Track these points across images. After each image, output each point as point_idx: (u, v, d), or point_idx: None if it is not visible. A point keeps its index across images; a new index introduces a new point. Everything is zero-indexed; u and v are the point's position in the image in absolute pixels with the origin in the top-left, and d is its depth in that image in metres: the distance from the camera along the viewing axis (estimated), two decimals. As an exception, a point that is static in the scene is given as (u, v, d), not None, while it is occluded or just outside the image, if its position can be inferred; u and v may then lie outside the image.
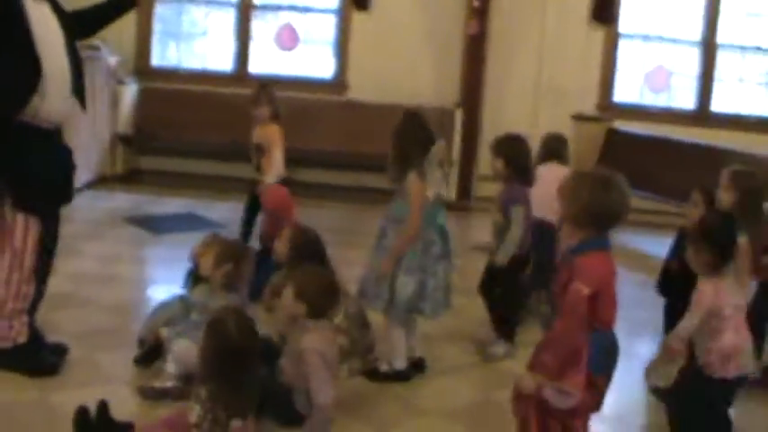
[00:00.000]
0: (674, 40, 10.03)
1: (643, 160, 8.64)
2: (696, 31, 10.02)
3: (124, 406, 3.82)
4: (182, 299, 4.45)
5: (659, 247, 5.78)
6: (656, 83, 9.72)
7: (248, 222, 6.49)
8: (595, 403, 3.33)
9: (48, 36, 3.98)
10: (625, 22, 9.87)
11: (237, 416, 3.12)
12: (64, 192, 4.32)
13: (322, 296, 3.79)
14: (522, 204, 5.05)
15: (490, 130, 9.35)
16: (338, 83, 9.62)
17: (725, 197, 4.75)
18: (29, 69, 3.88)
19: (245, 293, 4.41)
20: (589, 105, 9.74)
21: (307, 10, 9.63)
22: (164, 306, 4.52)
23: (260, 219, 6.31)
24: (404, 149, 4.61)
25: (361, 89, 9.52)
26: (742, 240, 4.41)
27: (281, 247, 4.50)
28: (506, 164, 5.11)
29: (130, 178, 9.29)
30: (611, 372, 3.35)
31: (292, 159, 9.05)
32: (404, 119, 4.74)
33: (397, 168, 4.58)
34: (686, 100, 10.09)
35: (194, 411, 3.13)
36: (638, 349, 5.20)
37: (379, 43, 9.45)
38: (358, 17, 9.45)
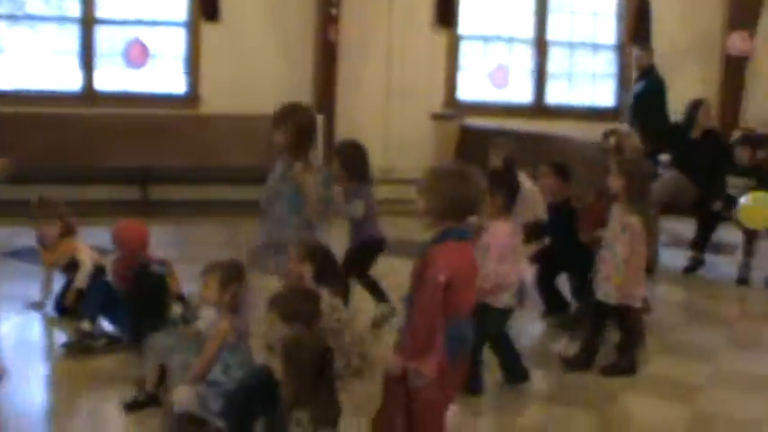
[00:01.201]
0: (509, 39, 10.62)
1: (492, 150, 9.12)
2: (529, 30, 10.67)
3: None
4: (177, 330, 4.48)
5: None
6: (495, 80, 10.24)
7: None
8: (454, 386, 3.53)
9: None
10: (465, 25, 10.34)
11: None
12: None
13: (311, 313, 3.89)
14: (362, 199, 5.77)
15: (346, 134, 9.66)
16: (191, 97, 9.49)
17: (614, 184, 5.16)
18: None
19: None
20: (436, 104, 10.15)
21: (155, 24, 9.39)
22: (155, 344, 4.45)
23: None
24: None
25: (215, 102, 9.45)
26: (635, 221, 4.98)
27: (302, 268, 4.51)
28: (342, 165, 5.86)
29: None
30: (465, 358, 3.55)
31: (148, 178, 9.10)
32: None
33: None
34: (524, 94, 10.75)
35: None
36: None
37: (231, 54, 9.40)
38: (208, 29, 9.34)
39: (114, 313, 5.13)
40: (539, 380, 5.01)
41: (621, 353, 5.23)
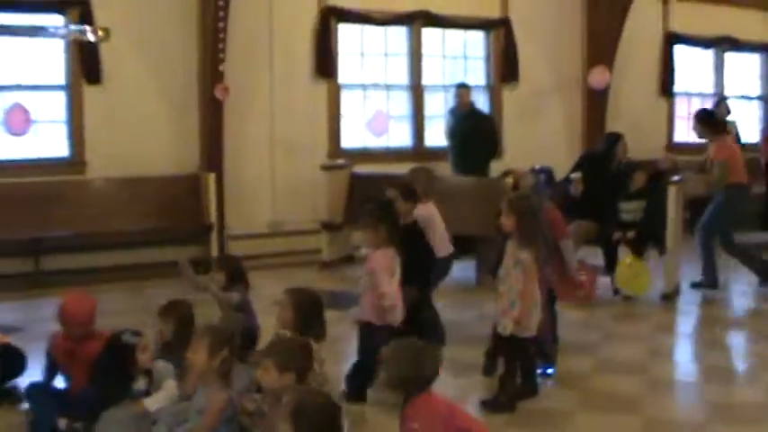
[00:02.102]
0: (387, 86, 10.96)
1: (381, 196, 9.38)
2: (404, 77, 11.05)
3: None
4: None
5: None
6: (374, 127, 10.53)
7: None
8: None
9: None
10: (344, 75, 10.60)
11: None
12: None
13: (305, 362, 3.99)
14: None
15: (234, 190, 9.77)
16: (75, 162, 9.30)
17: (506, 222, 5.42)
18: None
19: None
20: (321, 154, 10.33)
21: (35, 88, 9.18)
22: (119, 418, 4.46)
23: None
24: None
25: (101, 166, 9.32)
26: (526, 256, 5.32)
27: (284, 313, 4.70)
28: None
29: None
30: None
31: (40, 248, 8.92)
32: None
33: None
34: (404, 138, 11.11)
35: None
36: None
37: (115, 117, 9.30)
38: (90, 91, 9.21)
39: (62, 403, 5.02)
40: None
41: (503, 387, 5.47)
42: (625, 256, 8.34)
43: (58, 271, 8.88)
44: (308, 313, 4.82)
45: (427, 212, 6.56)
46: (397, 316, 5.45)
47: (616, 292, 8.39)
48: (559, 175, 8.73)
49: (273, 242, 9.97)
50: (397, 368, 3.75)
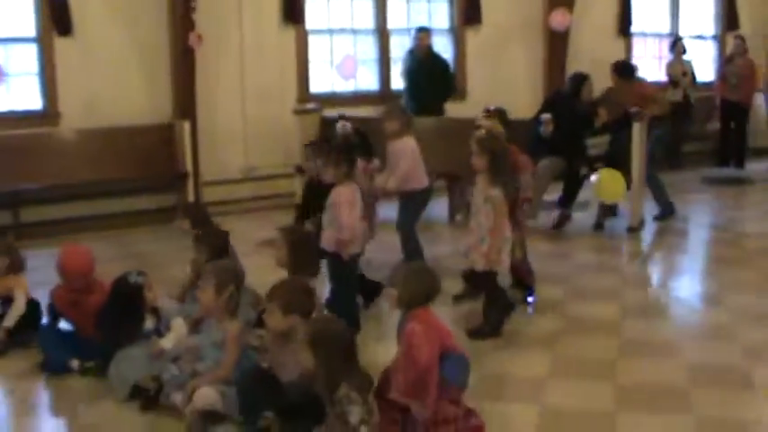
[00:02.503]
0: (353, 31, 11.10)
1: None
2: (370, 21, 11.19)
3: None
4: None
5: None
6: (343, 71, 10.66)
7: None
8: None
9: None
10: (312, 20, 10.71)
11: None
12: None
13: (308, 303, 4.18)
14: None
15: (207, 137, 9.89)
16: (49, 114, 9.32)
17: (477, 162, 5.64)
18: None
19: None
20: (290, 99, 10.44)
21: (4, 41, 9.13)
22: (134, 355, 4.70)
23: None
24: None
25: (75, 117, 9.35)
26: (497, 194, 5.57)
27: (279, 253, 4.95)
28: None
29: None
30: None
31: (17, 200, 8.99)
32: None
33: None
34: (371, 82, 11.28)
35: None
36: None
37: (87, 68, 9.33)
38: (61, 43, 9.20)
39: (73, 346, 5.22)
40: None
41: (486, 317, 5.80)
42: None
43: (37, 222, 8.99)
44: (301, 251, 5.05)
45: (400, 146, 6.73)
46: (357, 248, 5.80)
47: (598, 225, 8.79)
48: (520, 114, 9.00)
49: (247, 187, 10.13)
50: (407, 287, 4.06)
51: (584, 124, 8.77)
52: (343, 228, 5.58)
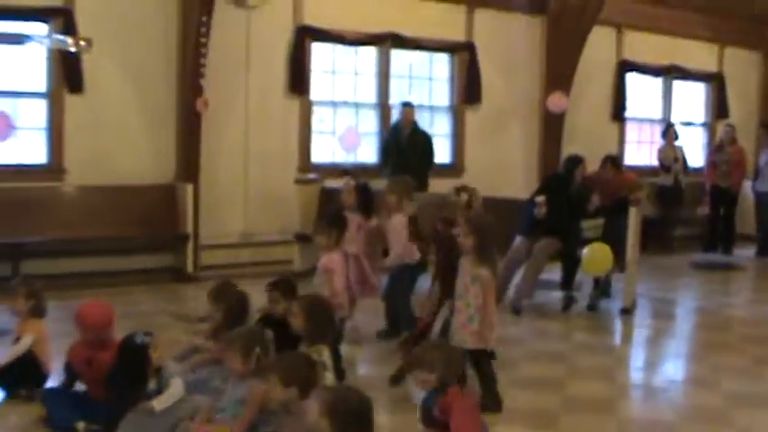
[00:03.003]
0: (356, 105, 11.35)
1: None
2: (372, 95, 11.48)
3: None
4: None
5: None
6: (348, 142, 10.88)
7: None
8: None
9: None
10: (316, 92, 10.96)
11: None
12: None
13: (309, 375, 4.25)
14: None
15: (208, 200, 10.01)
16: (55, 168, 9.44)
17: (465, 241, 5.68)
18: None
19: None
20: (292, 168, 10.64)
21: (17, 95, 9.32)
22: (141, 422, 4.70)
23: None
24: None
25: (80, 173, 9.47)
26: (485, 273, 5.63)
27: (296, 321, 5.03)
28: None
29: None
30: None
31: (19, 253, 9.06)
32: None
33: None
34: (371, 154, 11.48)
35: None
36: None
37: (95, 125, 9.48)
38: (71, 100, 9.37)
39: (79, 407, 5.18)
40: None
41: (485, 392, 5.78)
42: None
43: (37, 276, 9.00)
44: (318, 318, 5.14)
45: (397, 221, 7.15)
46: (343, 312, 6.24)
47: (592, 307, 8.94)
48: (515, 192, 9.21)
49: (246, 252, 10.24)
50: (448, 368, 4.32)
51: (577, 207, 8.97)
52: (337, 293, 5.98)
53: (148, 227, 9.69)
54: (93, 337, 5.23)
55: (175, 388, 4.86)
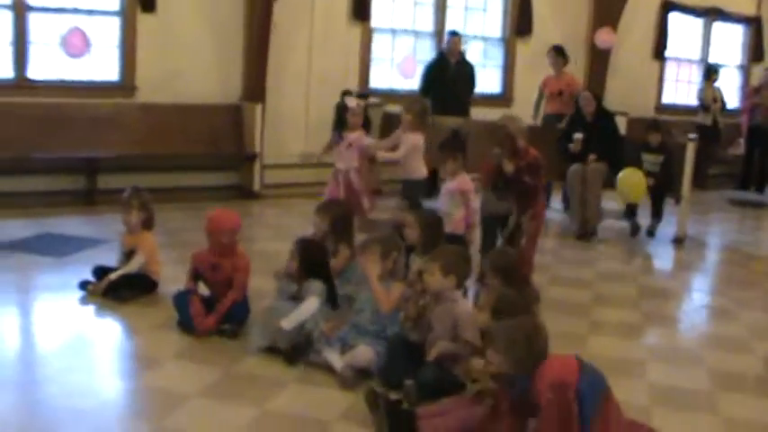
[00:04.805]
0: (415, 33, 11.56)
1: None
2: (429, 24, 11.69)
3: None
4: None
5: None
6: (406, 70, 11.10)
7: None
8: None
9: None
10: (377, 19, 11.17)
11: None
12: None
13: (465, 268, 4.67)
14: None
15: (273, 120, 10.26)
16: (126, 86, 9.64)
17: (410, 234, 5.65)
18: None
19: None
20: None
21: (90, 12, 9.44)
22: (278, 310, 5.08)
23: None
24: None
25: (150, 91, 9.68)
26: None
27: (412, 232, 5.44)
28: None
29: None
30: None
31: (89, 167, 9.32)
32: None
33: None
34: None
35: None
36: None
37: (166, 44, 9.67)
38: (143, 18, 9.54)
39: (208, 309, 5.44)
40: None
41: None
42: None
43: (110, 190, 9.30)
44: (432, 231, 5.55)
45: (412, 138, 7.55)
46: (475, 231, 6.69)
47: (650, 233, 9.40)
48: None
49: (306, 173, 10.52)
50: (517, 350, 3.71)
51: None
52: (473, 211, 6.38)
53: (215, 145, 9.96)
54: (223, 242, 5.49)
55: (308, 306, 5.07)
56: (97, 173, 9.26)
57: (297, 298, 5.16)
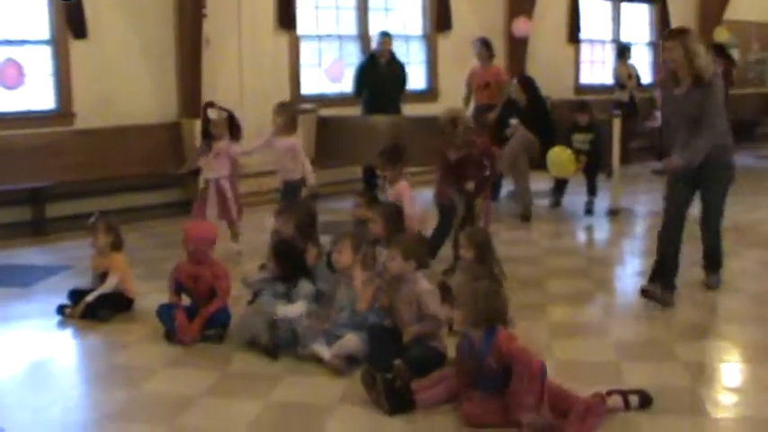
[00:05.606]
0: (339, 37, 11.84)
1: (345, 138, 10.48)
2: (352, 28, 11.99)
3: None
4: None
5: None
6: (334, 73, 11.36)
7: None
8: None
9: None
10: (303, 26, 11.45)
11: None
12: None
13: (424, 253, 5.07)
14: None
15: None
16: (64, 113, 9.71)
17: (466, 255, 5.81)
18: None
19: None
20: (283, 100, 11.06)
21: (22, 42, 9.47)
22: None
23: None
24: None
25: (88, 117, 9.78)
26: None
27: (376, 226, 5.82)
28: None
29: None
30: None
31: (34, 197, 9.37)
32: None
33: None
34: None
35: None
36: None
37: (100, 68, 9.79)
38: (75, 45, 9.64)
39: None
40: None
41: None
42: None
43: (60, 218, 9.38)
44: (394, 222, 5.93)
45: (287, 143, 8.01)
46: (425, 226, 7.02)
47: (588, 211, 9.90)
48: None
49: (246, 183, 10.68)
50: (479, 305, 4.24)
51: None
52: (413, 213, 6.55)
53: (157, 164, 10.10)
54: (198, 252, 5.71)
55: (296, 309, 5.38)
56: (44, 202, 9.32)
57: (287, 295, 5.50)
